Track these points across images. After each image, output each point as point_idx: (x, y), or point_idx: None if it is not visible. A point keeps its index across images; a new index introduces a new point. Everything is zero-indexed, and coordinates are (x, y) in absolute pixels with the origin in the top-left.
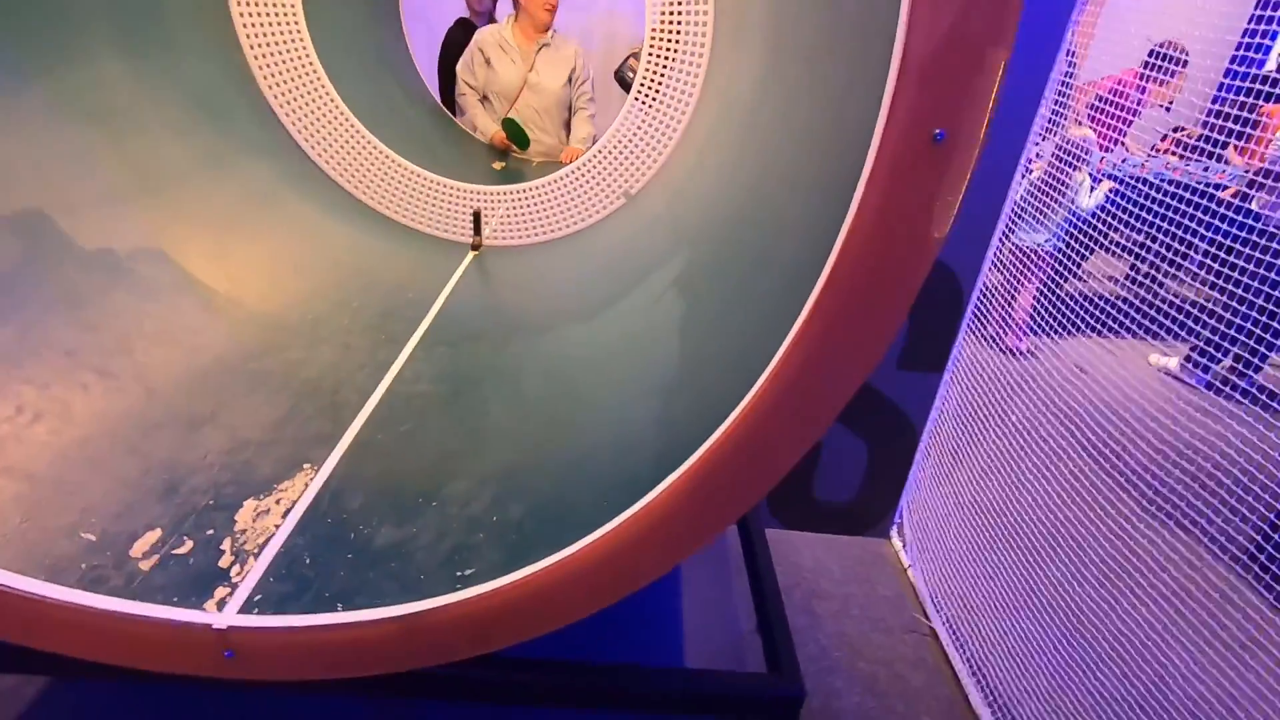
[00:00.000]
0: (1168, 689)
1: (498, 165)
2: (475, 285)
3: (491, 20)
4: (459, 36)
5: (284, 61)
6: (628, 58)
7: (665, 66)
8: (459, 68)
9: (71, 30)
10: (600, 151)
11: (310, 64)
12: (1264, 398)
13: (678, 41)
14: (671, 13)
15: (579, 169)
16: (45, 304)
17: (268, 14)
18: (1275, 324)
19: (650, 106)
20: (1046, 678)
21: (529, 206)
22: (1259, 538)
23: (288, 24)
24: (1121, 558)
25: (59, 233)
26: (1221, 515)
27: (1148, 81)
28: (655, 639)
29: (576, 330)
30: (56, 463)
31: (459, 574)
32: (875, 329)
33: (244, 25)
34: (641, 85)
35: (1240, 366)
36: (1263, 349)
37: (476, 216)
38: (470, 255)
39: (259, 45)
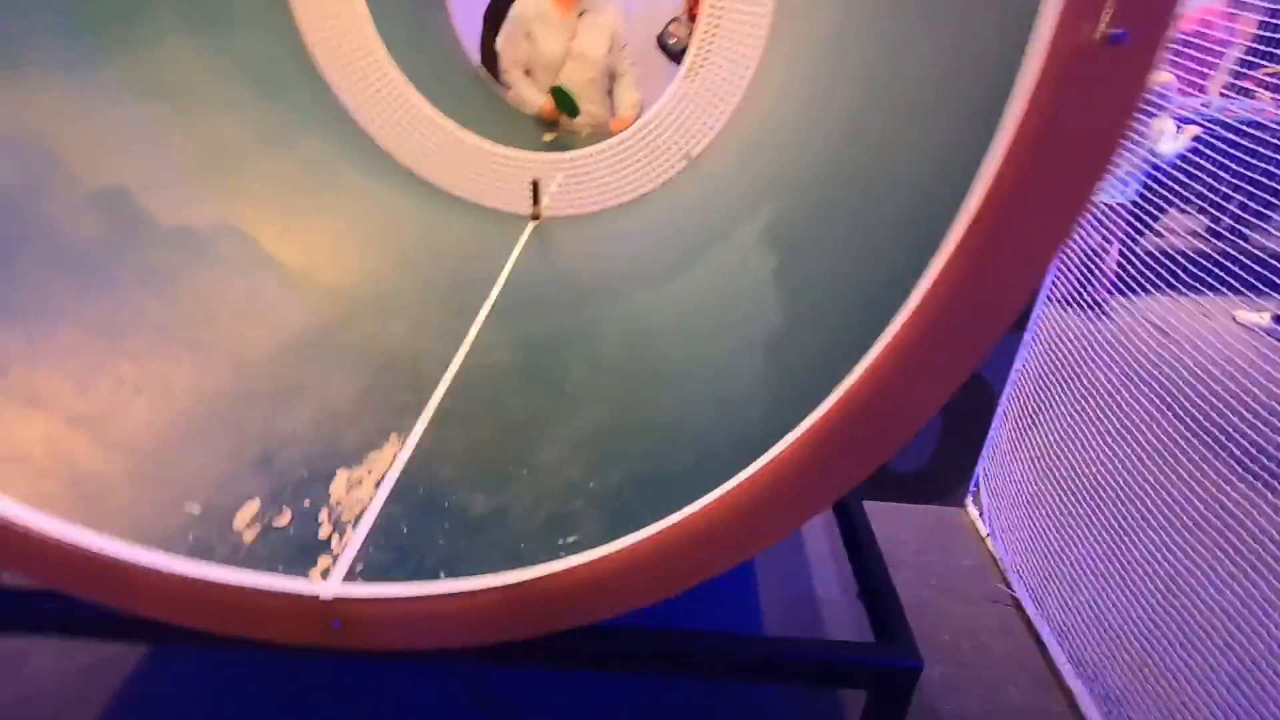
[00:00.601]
0: (1271, 662)
1: (548, 136)
2: (539, 255)
3: None
4: (500, 7)
5: (339, 33)
6: (669, 23)
7: (717, 30)
8: (500, 43)
9: (140, 9)
10: (656, 117)
11: (365, 37)
12: None
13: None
14: None
15: (635, 134)
16: (133, 280)
17: None
18: None
19: (704, 71)
20: (1138, 648)
21: (586, 175)
22: None
23: None
24: (1215, 523)
25: (140, 210)
26: None
27: (1235, 20)
28: (730, 605)
29: (654, 293)
30: (158, 436)
31: (561, 541)
32: (1033, 258)
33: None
34: (699, 49)
35: None
36: None
37: (535, 186)
38: (530, 225)
39: (315, 18)
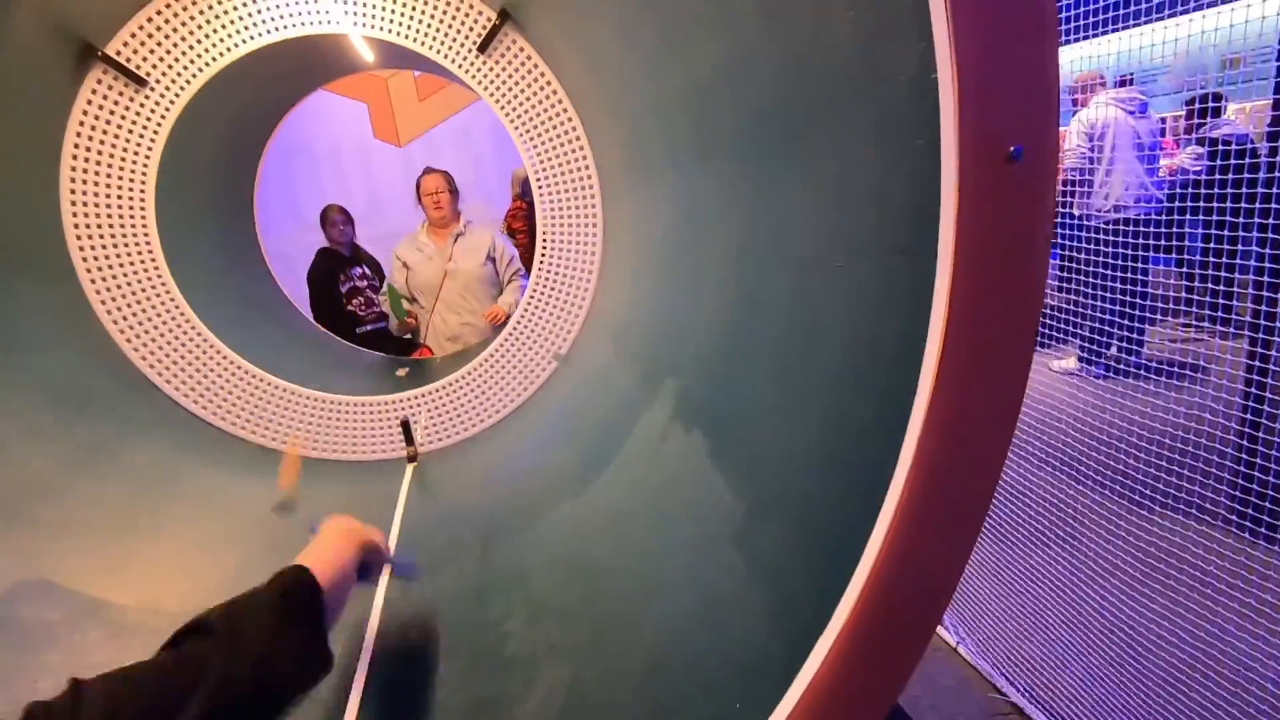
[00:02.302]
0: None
1: (401, 372)
2: (428, 498)
3: (353, 246)
4: (324, 265)
5: (158, 330)
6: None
7: (552, 234)
8: (390, 283)
9: None
10: (512, 328)
11: (187, 326)
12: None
13: (554, 192)
14: (540, 163)
15: (494, 351)
16: None
17: (129, 284)
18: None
19: (545, 268)
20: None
21: (455, 400)
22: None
23: (154, 289)
24: (1137, 554)
25: None
26: (1184, 476)
27: None
28: None
29: (572, 506)
30: None
31: None
32: (1004, 387)
33: (103, 305)
34: (540, 256)
35: (1124, 350)
36: (1131, 331)
37: (405, 425)
38: (410, 468)
39: (126, 321)
